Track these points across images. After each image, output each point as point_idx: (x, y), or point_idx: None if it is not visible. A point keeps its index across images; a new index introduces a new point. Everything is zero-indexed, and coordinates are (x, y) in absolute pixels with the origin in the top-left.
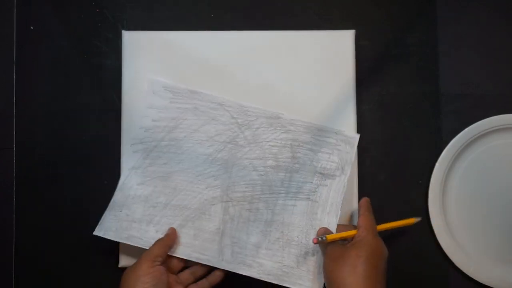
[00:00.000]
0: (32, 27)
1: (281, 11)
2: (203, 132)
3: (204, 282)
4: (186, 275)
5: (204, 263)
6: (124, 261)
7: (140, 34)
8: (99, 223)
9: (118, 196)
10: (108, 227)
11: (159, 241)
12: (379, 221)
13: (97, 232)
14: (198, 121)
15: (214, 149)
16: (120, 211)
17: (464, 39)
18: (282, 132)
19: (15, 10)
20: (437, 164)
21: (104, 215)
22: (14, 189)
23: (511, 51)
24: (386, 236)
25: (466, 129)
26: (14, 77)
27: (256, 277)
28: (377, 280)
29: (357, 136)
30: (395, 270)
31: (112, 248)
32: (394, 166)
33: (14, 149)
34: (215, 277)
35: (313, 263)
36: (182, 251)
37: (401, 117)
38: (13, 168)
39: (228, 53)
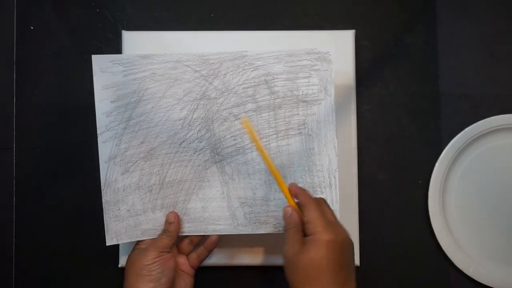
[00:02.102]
0: (32, 27)
1: (281, 11)
2: (170, 97)
3: (202, 249)
4: (185, 244)
5: (222, 233)
6: (124, 261)
7: (140, 34)
8: (106, 232)
9: (107, 194)
10: (117, 232)
11: (165, 232)
12: (379, 222)
13: (109, 241)
14: (161, 86)
15: (187, 110)
16: (119, 209)
17: (464, 39)
18: (251, 70)
19: (15, 10)
20: (437, 164)
21: (105, 221)
22: (14, 189)
23: (511, 51)
24: (386, 236)
25: (466, 129)
26: (14, 77)
27: (276, 232)
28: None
29: (330, 50)
30: (395, 270)
31: (112, 248)
32: (394, 166)
33: (14, 149)
34: (211, 242)
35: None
36: (196, 228)
37: (401, 117)
38: (13, 168)
39: None
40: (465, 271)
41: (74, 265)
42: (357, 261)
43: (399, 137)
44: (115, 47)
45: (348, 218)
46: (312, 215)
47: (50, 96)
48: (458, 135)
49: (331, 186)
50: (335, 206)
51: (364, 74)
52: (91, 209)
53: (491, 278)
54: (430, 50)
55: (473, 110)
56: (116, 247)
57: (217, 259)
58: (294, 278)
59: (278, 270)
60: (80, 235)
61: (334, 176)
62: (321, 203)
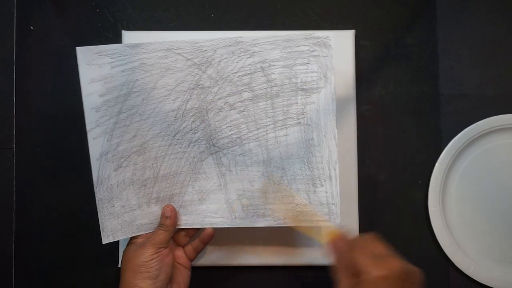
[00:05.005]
0: (32, 27)
1: (281, 11)
2: (162, 87)
3: (197, 242)
4: (181, 236)
5: (219, 226)
6: None
7: (140, 34)
8: (101, 230)
9: (100, 192)
10: (113, 229)
11: (162, 226)
12: (379, 222)
13: (105, 239)
14: (152, 77)
15: (180, 101)
16: (113, 206)
17: (464, 39)
18: (247, 57)
19: (15, 10)
20: (437, 164)
21: (100, 219)
22: (14, 189)
23: (511, 51)
24: (386, 236)
25: (466, 129)
26: (14, 77)
27: (274, 226)
28: None
29: (330, 34)
30: None
31: (112, 248)
32: (394, 166)
33: (14, 149)
34: (207, 235)
35: (323, 194)
36: (193, 221)
37: (401, 117)
38: (13, 168)
39: None
40: (465, 271)
41: (74, 265)
42: None
43: (399, 137)
44: None
45: (348, 218)
46: (357, 255)
47: (50, 96)
48: (458, 135)
49: (331, 179)
50: (335, 199)
51: (364, 74)
52: (91, 209)
53: (491, 278)
54: (430, 50)
55: (473, 110)
56: (116, 247)
57: (215, 258)
58: None
59: (278, 270)
60: (80, 235)
61: (334, 168)
62: (366, 241)
